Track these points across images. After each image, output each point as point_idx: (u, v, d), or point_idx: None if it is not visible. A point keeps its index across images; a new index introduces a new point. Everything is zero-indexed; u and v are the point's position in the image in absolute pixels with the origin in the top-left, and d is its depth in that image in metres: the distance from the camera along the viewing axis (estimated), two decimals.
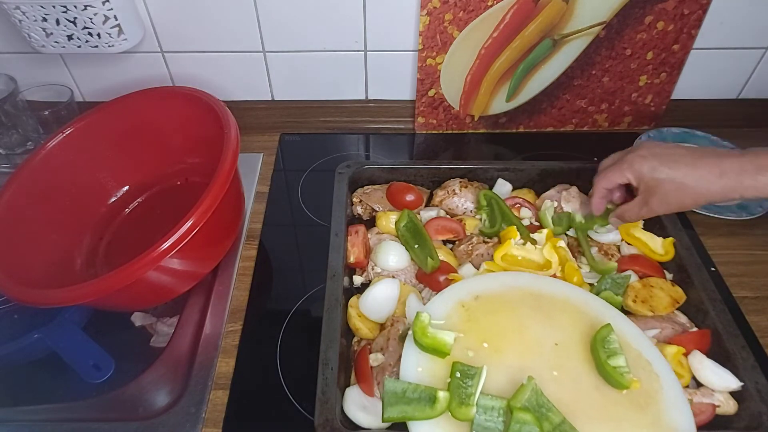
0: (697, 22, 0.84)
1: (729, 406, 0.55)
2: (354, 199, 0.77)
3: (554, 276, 0.65)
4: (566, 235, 0.72)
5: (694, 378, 0.57)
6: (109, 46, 0.81)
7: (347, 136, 0.98)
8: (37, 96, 0.87)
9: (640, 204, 0.62)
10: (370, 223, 0.76)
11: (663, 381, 0.53)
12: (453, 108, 0.94)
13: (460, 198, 0.75)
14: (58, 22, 0.77)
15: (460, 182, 0.76)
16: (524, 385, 0.51)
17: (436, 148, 0.96)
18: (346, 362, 0.60)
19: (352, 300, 0.65)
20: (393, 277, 0.67)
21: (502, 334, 0.56)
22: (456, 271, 0.65)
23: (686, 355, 0.58)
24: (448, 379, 0.52)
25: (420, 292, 0.66)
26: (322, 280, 0.64)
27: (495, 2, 0.81)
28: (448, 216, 0.75)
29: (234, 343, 0.66)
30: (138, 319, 0.71)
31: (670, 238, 0.68)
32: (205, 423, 0.59)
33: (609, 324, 0.56)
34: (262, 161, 0.92)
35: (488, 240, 0.70)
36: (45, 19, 0.76)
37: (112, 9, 0.76)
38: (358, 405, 0.55)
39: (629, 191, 0.66)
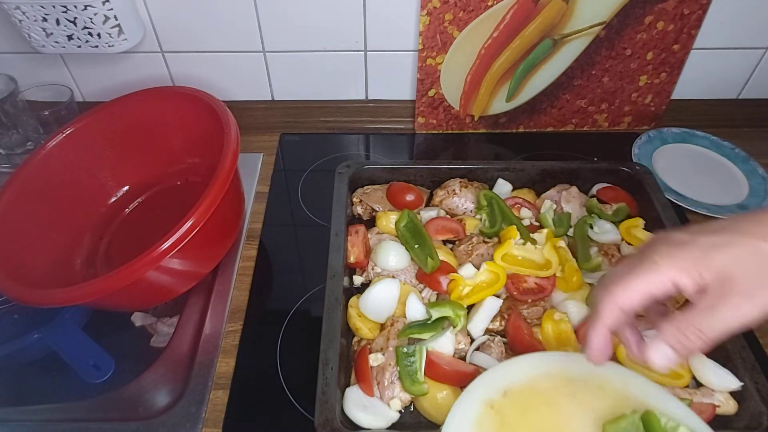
0: (697, 22, 0.84)
1: (729, 406, 0.55)
2: (354, 199, 0.77)
3: (554, 276, 0.65)
4: (567, 236, 0.72)
5: (694, 378, 0.57)
6: (109, 46, 0.81)
7: (347, 136, 0.98)
8: (37, 96, 0.87)
9: (714, 304, 0.37)
10: (370, 223, 0.76)
11: None
12: (453, 108, 0.94)
13: (460, 198, 0.75)
14: (58, 22, 0.77)
15: (460, 182, 0.76)
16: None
17: (436, 148, 0.96)
18: (346, 362, 0.60)
19: (352, 300, 0.65)
20: (393, 277, 0.67)
21: None
22: (456, 271, 0.65)
23: None
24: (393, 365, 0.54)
25: (420, 292, 0.66)
26: (322, 280, 0.64)
27: (495, 2, 0.81)
28: (448, 216, 0.75)
29: (234, 343, 0.66)
30: (138, 319, 0.71)
31: None
32: (205, 423, 0.59)
33: (650, 411, 0.47)
34: (262, 161, 0.92)
35: (488, 240, 0.70)
36: (45, 19, 0.76)
37: (112, 9, 0.76)
38: (358, 405, 0.55)
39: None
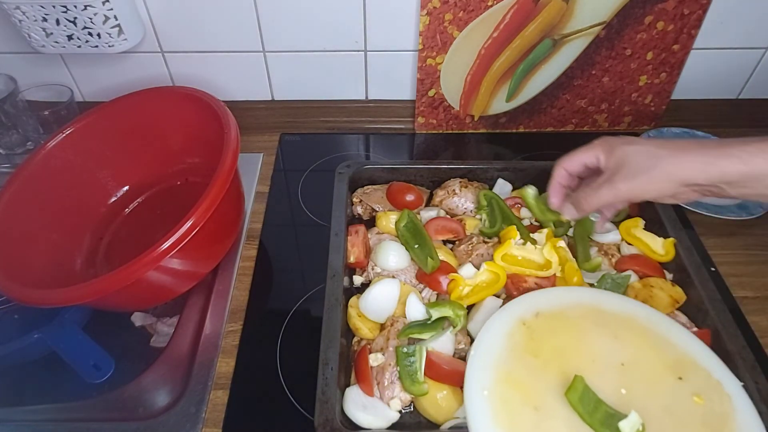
0: (697, 22, 0.84)
1: None
2: (354, 199, 0.77)
3: (554, 276, 0.65)
4: (567, 236, 0.72)
5: None
6: (109, 46, 0.81)
7: (347, 136, 0.98)
8: (37, 96, 0.87)
9: (602, 182, 0.54)
10: (370, 223, 0.76)
11: (735, 402, 0.50)
12: (453, 108, 0.94)
13: (460, 198, 0.75)
14: (58, 22, 0.77)
15: (460, 182, 0.76)
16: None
17: (436, 148, 0.96)
18: (346, 362, 0.60)
19: (352, 300, 0.65)
20: (393, 277, 0.67)
21: (568, 353, 0.53)
22: (456, 271, 0.65)
23: None
24: (393, 365, 0.56)
25: (420, 292, 0.66)
26: (322, 280, 0.64)
27: (495, 2, 0.81)
28: (448, 216, 0.75)
29: (234, 343, 0.66)
30: (138, 319, 0.71)
31: (671, 239, 0.68)
32: (205, 423, 0.59)
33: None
34: (262, 161, 0.92)
35: (488, 240, 0.70)
36: (45, 19, 0.76)
37: (112, 9, 0.76)
38: (358, 405, 0.55)
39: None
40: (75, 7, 0.74)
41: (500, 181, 0.79)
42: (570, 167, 0.58)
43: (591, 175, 0.59)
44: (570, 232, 0.72)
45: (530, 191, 0.72)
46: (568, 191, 0.62)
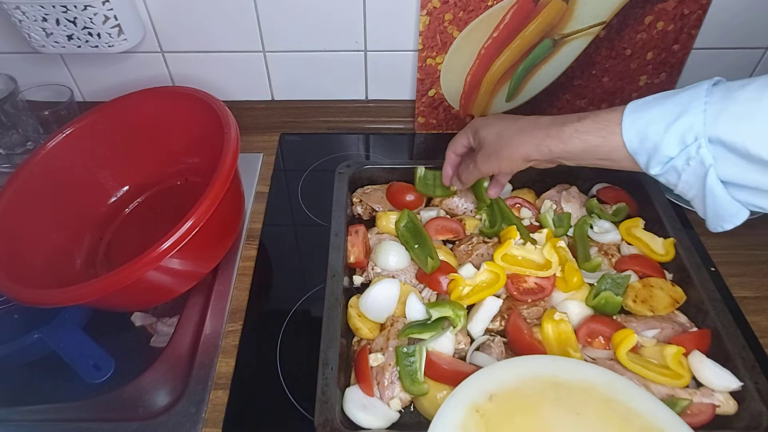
0: (697, 22, 0.84)
1: (729, 406, 0.55)
2: (354, 199, 0.77)
3: (554, 276, 0.65)
4: (567, 236, 0.72)
5: (694, 378, 0.57)
6: (109, 46, 0.81)
7: (347, 136, 0.98)
8: (37, 96, 0.87)
9: (469, 161, 0.64)
10: (370, 223, 0.76)
11: None
12: (453, 108, 0.94)
13: (460, 198, 0.75)
14: (58, 22, 0.77)
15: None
16: None
17: (436, 148, 0.96)
18: (346, 362, 0.60)
19: (352, 300, 0.65)
20: (393, 277, 0.67)
21: None
22: (456, 271, 0.65)
23: (686, 355, 0.58)
24: (393, 365, 0.56)
25: (420, 292, 0.66)
26: (322, 280, 0.64)
27: (495, 2, 0.81)
28: (448, 216, 0.75)
29: (234, 343, 0.66)
30: (138, 319, 0.71)
31: (671, 239, 0.68)
32: (205, 423, 0.59)
33: None
34: (262, 161, 0.92)
35: (488, 240, 0.70)
36: (45, 19, 0.76)
37: (112, 9, 0.76)
38: (358, 405, 0.55)
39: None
40: (75, 7, 0.74)
41: None
42: (455, 149, 0.68)
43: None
44: (570, 232, 0.72)
45: (419, 170, 0.76)
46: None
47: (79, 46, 0.81)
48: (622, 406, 0.50)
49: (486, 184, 0.71)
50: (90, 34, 0.78)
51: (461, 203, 0.75)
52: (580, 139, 0.53)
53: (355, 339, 0.63)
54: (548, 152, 0.56)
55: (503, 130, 0.60)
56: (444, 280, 0.64)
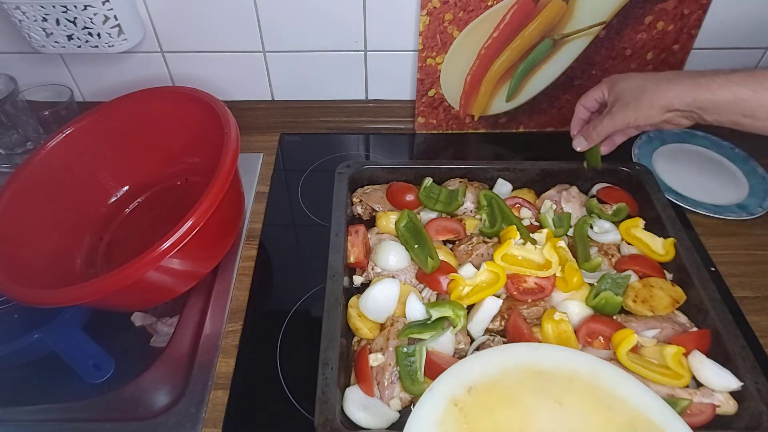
0: (697, 22, 0.84)
1: (729, 406, 0.55)
2: (354, 199, 0.77)
3: (554, 276, 0.65)
4: (567, 236, 0.72)
5: (694, 378, 0.57)
6: (109, 46, 0.81)
7: (347, 136, 0.98)
8: (37, 96, 0.87)
9: (604, 114, 0.64)
10: (370, 223, 0.76)
11: None
12: (453, 108, 0.94)
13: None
14: (58, 22, 0.77)
15: (460, 182, 0.76)
16: None
17: (436, 148, 0.96)
18: (346, 362, 0.60)
19: (352, 300, 0.65)
20: (393, 277, 0.67)
21: None
22: (456, 271, 0.65)
23: (686, 355, 0.58)
24: (393, 365, 0.56)
25: (420, 292, 0.66)
26: (322, 280, 0.64)
27: (495, 2, 0.81)
28: (448, 216, 0.75)
29: (234, 343, 0.66)
30: (138, 319, 0.71)
31: (671, 239, 0.68)
32: (205, 423, 0.59)
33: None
34: (262, 161, 0.92)
35: (488, 240, 0.70)
36: (45, 19, 0.76)
37: (112, 9, 0.76)
38: (358, 405, 0.55)
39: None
40: (75, 7, 0.74)
41: (500, 181, 0.79)
42: (585, 103, 0.68)
43: (602, 110, 0.68)
44: (570, 232, 0.72)
45: (426, 181, 0.75)
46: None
47: (79, 46, 0.81)
48: (606, 393, 0.50)
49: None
50: (90, 34, 0.78)
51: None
52: (730, 90, 0.54)
53: (355, 339, 0.63)
54: (692, 101, 0.56)
55: (646, 81, 0.60)
56: (444, 280, 0.64)
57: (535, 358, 0.52)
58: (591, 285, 0.65)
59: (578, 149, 0.72)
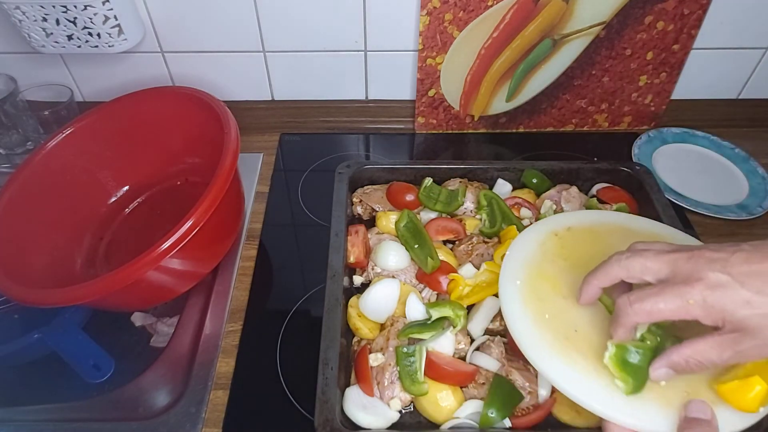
0: (697, 22, 0.84)
1: None
2: (354, 199, 0.77)
3: None
4: None
5: None
6: (109, 46, 0.81)
7: (347, 136, 0.98)
8: (37, 96, 0.87)
9: (723, 345, 0.40)
10: (370, 223, 0.76)
11: None
12: (453, 108, 0.94)
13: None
14: (58, 22, 0.77)
15: (460, 182, 0.76)
16: None
17: (436, 148, 0.96)
18: (346, 362, 0.60)
19: (352, 300, 0.65)
20: (393, 277, 0.67)
21: (597, 260, 0.49)
22: (456, 271, 0.65)
23: None
24: (393, 365, 0.57)
25: (420, 292, 0.66)
26: (322, 280, 0.64)
27: (495, 2, 0.81)
28: (448, 216, 0.75)
29: (234, 343, 0.66)
30: (138, 319, 0.71)
31: None
32: (205, 423, 0.59)
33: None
34: (262, 161, 0.92)
35: (488, 240, 0.70)
36: (45, 19, 0.76)
37: (112, 9, 0.76)
38: (358, 405, 0.55)
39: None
40: (75, 7, 0.74)
41: (500, 181, 0.79)
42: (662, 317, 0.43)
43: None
44: None
45: (426, 181, 0.75)
46: None
47: (79, 46, 0.81)
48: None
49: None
50: (90, 34, 0.78)
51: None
52: None
53: (355, 339, 0.63)
54: None
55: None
56: (444, 280, 0.64)
57: (627, 222, 0.62)
58: None
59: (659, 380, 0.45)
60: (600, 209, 0.73)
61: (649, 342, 0.45)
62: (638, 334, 0.45)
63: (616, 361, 0.45)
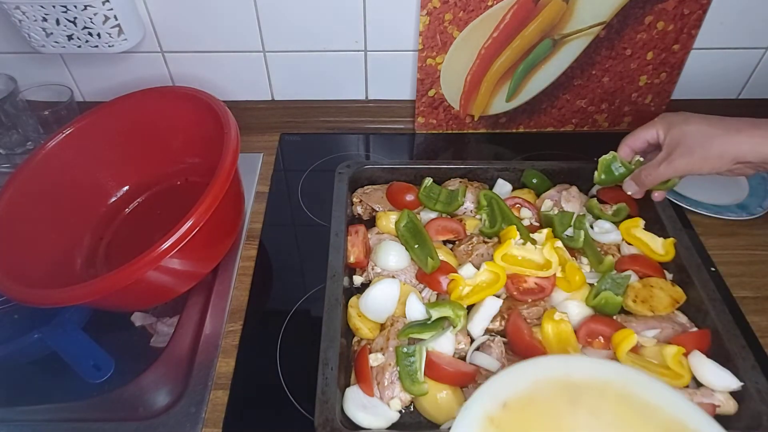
0: (697, 22, 0.84)
1: (729, 406, 0.55)
2: (354, 199, 0.77)
3: (554, 276, 0.65)
4: (566, 235, 0.72)
5: (694, 378, 0.57)
6: (109, 46, 0.81)
7: (347, 136, 0.98)
8: (37, 96, 0.87)
9: (661, 159, 0.60)
10: (370, 223, 0.76)
11: None
12: (453, 108, 0.94)
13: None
14: (58, 22, 0.77)
15: (460, 182, 0.76)
16: None
17: (436, 148, 0.96)
18: (346, 362, 0.60)
19: (352, 300, 0.65)
20: (393, 277, 0.67)
21: None
22: (456, 271, 0.65)
23: (686, 355, 0.58)
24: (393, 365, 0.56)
25: (420, 292, 0.66)
26: (322, 280, 0.64)
27: (495, 2, 0.81)
28: (448, 216, 0.75)
29: (234, 343, 0.66)
30: (138, 319, 0.71)
31: (671, 239, 0.68)
32: (205, 423, 0.59)
33: None
34: (262, 161, 0.92)
35: (488, 240, 0.70)
36: (45, 19, 0.76)
37: (112, 9, 0.76)
38: (358, 405, 0.55)
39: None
40: (75, 7, 0.74)
41: (500, 181, 0.79)
42: (633, 144, 0.64)
43: (651, 152, 0.65)
44: (569, 232, 0.72)
45: (426, 181, 0.75)
46: None
47: (79, 46, 0.81)
48: (638, 401, 0.49)
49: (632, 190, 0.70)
50: (90, 34, 0.78)
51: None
52: None
53: (355, 339, 0.63)
54: (766, 154, 0.54)
55: (712, 127, 0.56)
56: (444, 280, 0.64)
57: (565, 370, 0.51)
58: (591, 285, 0.65)
59: (629, 193, 0.68)
60: (599, 215, 0.73)
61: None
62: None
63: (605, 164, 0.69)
